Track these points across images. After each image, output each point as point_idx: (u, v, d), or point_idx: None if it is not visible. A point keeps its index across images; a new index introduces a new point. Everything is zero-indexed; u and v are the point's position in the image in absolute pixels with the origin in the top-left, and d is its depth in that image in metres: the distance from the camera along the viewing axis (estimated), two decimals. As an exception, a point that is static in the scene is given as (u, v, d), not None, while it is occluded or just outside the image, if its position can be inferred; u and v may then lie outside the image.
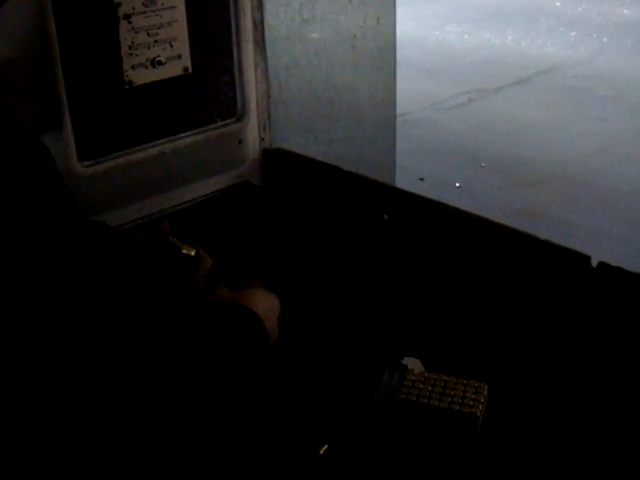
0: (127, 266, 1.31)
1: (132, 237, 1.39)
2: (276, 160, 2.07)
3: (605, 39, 7.79)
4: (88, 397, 0.95)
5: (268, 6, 2.01)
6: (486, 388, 1.38)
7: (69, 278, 1.01)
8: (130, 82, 1.76)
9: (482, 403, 1.34)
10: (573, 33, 8.01)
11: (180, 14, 1.79)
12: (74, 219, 1.17)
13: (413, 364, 1.45)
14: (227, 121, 1.98)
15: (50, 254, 1.00)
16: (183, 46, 1.82)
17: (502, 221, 1.65)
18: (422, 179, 4.78)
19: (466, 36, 8.08)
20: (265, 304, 1.26)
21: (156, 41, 1.77)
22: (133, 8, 1.72)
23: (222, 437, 1.20)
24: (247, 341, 1.18)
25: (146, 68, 1.77)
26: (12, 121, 1.10)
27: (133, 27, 1.72)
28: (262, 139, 2.07)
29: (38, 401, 0.93)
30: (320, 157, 2.06)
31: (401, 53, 2.51)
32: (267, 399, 1.37)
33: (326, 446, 1.28)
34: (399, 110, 2.61)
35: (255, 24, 1.97)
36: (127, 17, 1.71)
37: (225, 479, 1.24)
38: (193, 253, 1.32)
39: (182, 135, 1.89)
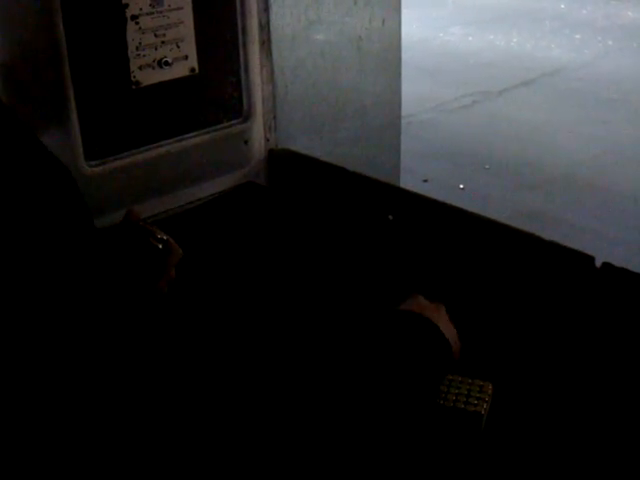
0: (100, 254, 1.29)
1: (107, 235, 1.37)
2: (282, 160, 2.08)
3: (610, 42, 7.79)
4: (85, 394, 0.96)
5: (274, 7, 2.02)
6: (490, 387, 1.38)
7: (75, 278, 1.01)
8: (137, 82, 1.77)
9: (486, 402, 1.35)
10: (578, 36, 8.01)
11: (187, 15, 1.80)
12: (83, 220, 1.18)
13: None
14: (233, 121, 1.99)
15: (55, 254, 1.00)
16: (190, 47, 1.83)
17: (506, 222, 1.65)
18: (426, 181, 4.79)
19: (470, 38, 8.09)
20: (444, 319, 1.26)
21: (163, 42, 1.78)
22: (140, 9, 1.73)
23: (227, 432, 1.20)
24: (431, 356, 1.16)
25: (153, 69, 1.78)
26: (13, 124, 1.10)
27: (140, 28, 1.74)
28: (268, 140, 2.08)
29: (37, 399, 0.93)
30: (325, 158, 2.06)
31: (406, 55, 2.51)
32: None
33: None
34: (403, 112, 2.61)
35: (261, 25, 1.98)
36: (134, 18, 1.72)
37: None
38: (161, 246, 1.29)
39: (188, 135, 1.90)
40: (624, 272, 1.43)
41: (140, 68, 1.76)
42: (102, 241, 1.33)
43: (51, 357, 0.94)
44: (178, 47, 1.81)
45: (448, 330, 1.26)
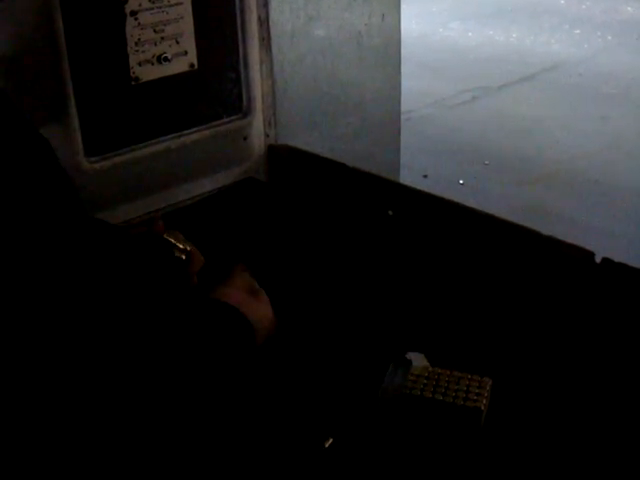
0: (124, 264, 1.31)
1: (128, 234, 1.39)
2: (281, 156, 2.08)
3: (609, 37, 7.78)
4: (83, 393, 0.96)
5: (273, 3, 2.02)
6: (490, 383, 1.38)
7: (69, 275, 1.01)
8: (136, 78, 1.77)
9: (486, 397, 1.35)
10: (577, 31, 8.00)
11: (186, 11, 1.80)
12: (77, 215, 1.18)
13: (417, 359, 1.45)
14: (232, 117, 1.99)
15: (51, 250, 1.00)
16: (189, 43, 1.83)
17: (506, 218, 1.65)
18: (426, 176, 4.79)
19: (470, 33, 8.08)
20: (248, 299, 1.25)
21: (162, 37, 1.78)
22: (140, 5, 1.73)
23: (224, 433, 1.20)
24: (230, 339, 1.17)
25: (152, 64, 1.78)
26: (13, 115, 1.10)
27: (140, 24, 1.73)
28: (267, 135, 2.08)
29: (35, 398, 0.93)
30: (325, 153, 2.06)
31: (405, 50, 2.51)
32: (266, 394, 1.37)
33: (331, 440, 1.29)
34: (403, 107, 2.61)
35: (260, 21, 1.98)
36: (134, 14, 1.72)
37: (229, 474, 1.25)
38: (184, 257, 1.31)
39: (188, 131, 1.91)
40: (624, 267, 1.43)
41: (139, 64, 1.76)
42: (115, 237, 1.34)
43: (46, 352, 0.94)
44: (177, 43, 1.81)
45: (255, 312, 1.24)
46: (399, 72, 2.50)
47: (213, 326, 1.15)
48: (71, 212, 1.12)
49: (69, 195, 1.14)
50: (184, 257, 1.33)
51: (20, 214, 0.97)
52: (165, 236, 1.33)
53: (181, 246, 1.33)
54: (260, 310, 1.26)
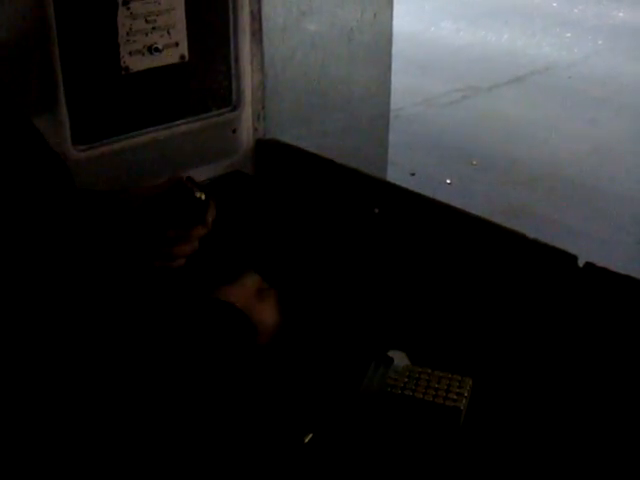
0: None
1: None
2: (269, 150, 2.08)
3: (600, 41, 7.81)
4: (82, 389, 0.96)
5: (266, -3, 2.02)
6: (470, 382, 1.39)
7: (63, 254, 1.01)
8: (127, 68, 1.76)
9: (466, 397, 1.36)
10: (568, 34, 8.02)
11: (178, 2, 1.80)
12: (69, 194, 1.18)
13: (399, 357, 1.46)
14: (222, 110, 1.99)
15: (45, 231, 1.00)
16: (181, 34, 1.82)
17: (491, 219, 1.66)
18: (413, 174, 4.79)
19: (461, 33, 8.09)
20: (254, 300, 1.27)
21: (154, 28, 1.78)
22: (132, -6, 1.72)
23: (208, 428, 1.21)
24: (230, 339, 1.18)
25: (143, 55, 1.78)
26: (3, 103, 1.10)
27: (131, 13, 1.73)
28: (256, 129, 2.08)
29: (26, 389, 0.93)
30: (313, 149, 2.07)
31: (396, 48, 2.52)
32: (254, 390, 1.38)
33: (311, 435, 1.30)
34: (392, 105, 2.62)
35: (252, 15, 1.98)
36: (126, 3, 1.71)
37: (210, 468, 1.25)
38: (204, 197, 1.37)
39: (177, 123, 1.90)
40: (606, 272, 1.44)
41: (130, 54, 1.76)
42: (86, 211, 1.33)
43: (43, 344, 0.94)
44: (169, 34, 1.81)
45: (262, 314, 1.26)
46: (389, 70, 2.51)
47: (214, 326, 1.16)
48: (62, 195, 1.12)
49: (61, 178, 1.14)
50: (203, 197, 1.37)
51: (10, 196, 0.97)
52: (184, 181, 1.37)
53: (198, 191, 1.37)
54: (265, 311, 1.27)
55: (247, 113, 2.03)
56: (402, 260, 1.77)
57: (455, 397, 1.36)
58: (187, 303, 1.21)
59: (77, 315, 0.99)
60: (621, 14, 8.80)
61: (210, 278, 1.34)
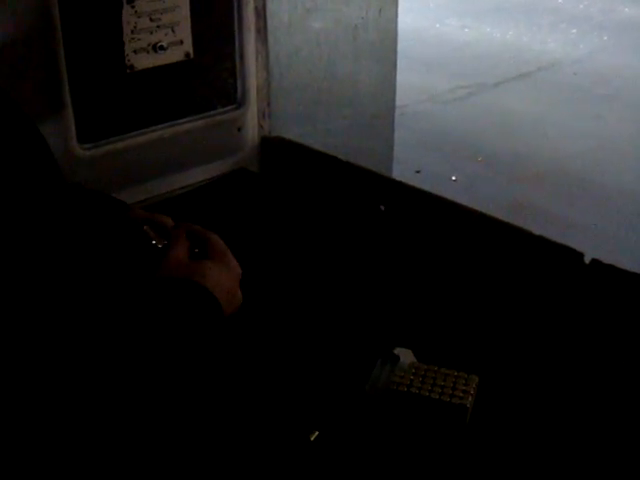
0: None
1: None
2: (274, 148, 2.08)
3: (605, 37, 7.79)
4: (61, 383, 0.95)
5: (271, -6, 2.02)
6: (476, 380, 1.39)
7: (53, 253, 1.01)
8: (131, 66, 1.76)
9: (472, 395, 1.36)
10: (574, 30, 8.01)
11: (183, 0, 1.80)
12: (52, 180, 1.17)
13: (405, 354, 1.46)
14: (227, 108, 1.99)
15: (36, 231, 1.00)
16: (185, 32, 1.82)
17: (496, 215, 1.66)
18: (418, 172, 4.79)
19: (467, 29, 8.08)
20: (214, 274, 1.19)
21: (158, 26, 1.78)
22: (137, -8, 1.72)
23: (207, 424, 1.20)
24: (195, 316, 1.12)
25: (148, 53, 1.78)
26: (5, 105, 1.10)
27: (136, 11, 1.73)
28: (261, 127, 2.08)
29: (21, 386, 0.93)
30: (318, 146, 2.07)
31: (401, 45, 2.51)
32: (253, 387, 1.37)
33: (317, 433, 1.29)
34: (397, 102, 2.61)
35: (257, 12, 1.98)
36: (130, 1, 1.72)
37: (215, 466, 1.25)
38: (161, 246, 1.25)
39: (182, 121, 1.90)
40: (612, 269, 1.44)
41: (135, 52, 1.76)
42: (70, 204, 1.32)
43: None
44: (173, 32, 1.81)
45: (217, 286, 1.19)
46: (394, 67, 2.51)
47: (170, 306, 1.10)
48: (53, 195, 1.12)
49: (54, 181, 1.14)
50: (160, 246, 1.25)
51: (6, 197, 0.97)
52: (145, 228, 1.29)
53: (158, 243, 1.28)
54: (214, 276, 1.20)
55: (252, 111, 2.03)
56: (408, 257, 1.77)
57: (461, 395, 1.35)
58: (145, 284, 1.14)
59: (74, 313, 0.98)
60: (627, 10, 8.78)
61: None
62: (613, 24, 8.20)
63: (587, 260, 1.48)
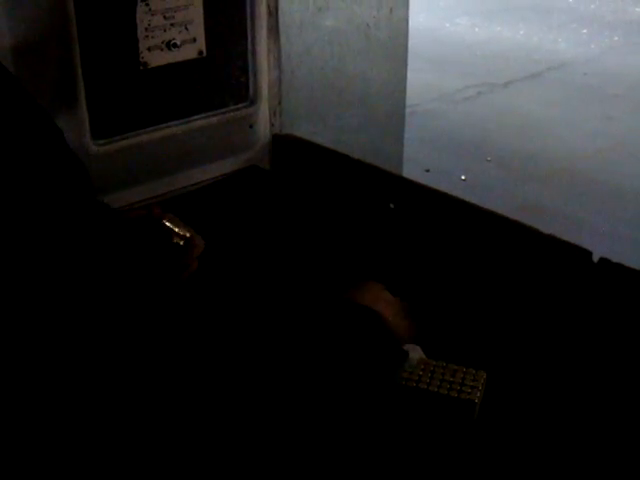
0: (122, 251, 1.29)
1: (127, 220, 1.36)
2: (286, 146, 2.09)
3: (616, 37, 7.78)
4: (82, 389, 0.96)
5: (283, -7, 2.03)
6: (484, 376, 1.40)
7: (77, 260, 1.02)
8: (145, 64, 1.78)
9: (480, 390, 1.37)
10: (585, 30, 8.00)
11: (197, -2, 1.82)
12: (86, 198, 1.18)
13: (413, 350, 1.47)
14: (239, 105, 2.00)
15: (59, 234, 1.01)
16: (198, 30, 1.84)
17: (506, 215, 1.67)
18: (428, 170, 4.79)
19: (477, 29, 8.07)
20: (388, 305, 1.21)
21: (172, 24, 1.79)
22: (151, -9, 1.74)
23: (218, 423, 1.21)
24: (371, 343, 1.12)
25: (161, 50, 1.79)
26: (24, 99, 1.11)
27: (150, 9, 1.75)
28: (272, 124, 2.09)
29: (34, 391, 0.94)
30: (329, 144, 2.08)
31: (411, 44, 2.52)
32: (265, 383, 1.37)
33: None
34: (407, 101, 2.62)
35: (270, 11, 1.99)
36: (144, -1, 1.73)
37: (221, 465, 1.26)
38: (183, 242, 1.29)
39: (194, 118, 1.92)
40: (621, 268, 1.45)
41: (149, 49, 1.77)
42: (106, 216, 1.34)
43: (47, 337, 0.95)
44: (187, 29, 1.82)
45: (399, 326, 1.20)
46: (405, 66, 2.52)
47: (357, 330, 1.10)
48: (79, 194, 1.13)
49: (77, 177, 1.15)
50: (182, 243, 1.30)
51: (25, 200, 0.98)
52: (164, 222, 1.31)
53: (180, 232, 1.31)
54: (401, 324, 1.20)
55: (264, 108, 2.04)
56: (417, 255, 1.78)
57: (469, 390, 1.36)
58: (321, 305, 1.15)
59: (95, 319, 0.99)
60: (638, 10, 8.76)
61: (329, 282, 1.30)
62: (624, 24, 8.18)
63: (595, 259, 1.49)
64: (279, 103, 2.09)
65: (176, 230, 1.30)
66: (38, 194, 1.00)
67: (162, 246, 1.28)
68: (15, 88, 1.10)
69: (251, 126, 2.03)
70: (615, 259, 1.47)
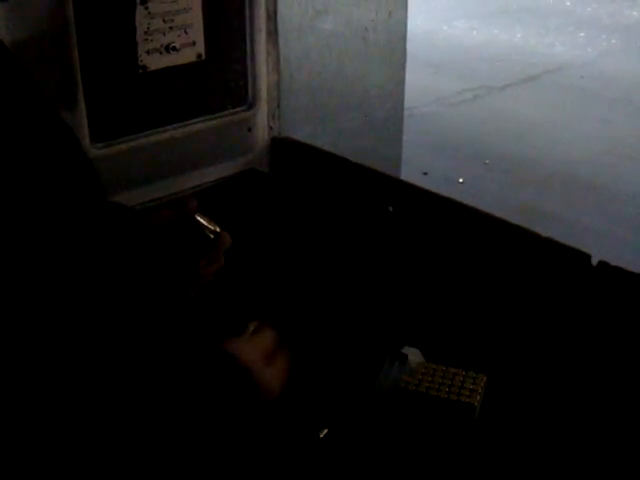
0: (141, 252, 1.29)
1: (147, 220, 1.37)
2: (284, 149, 2.09)
3: (613, 40, 7.79)
4: (87, 392, 0.96)
5: (282, -4, 2.03)
6: (484, 379, 1.40)
7: (89, 259, 1.02)
8: (144, 67, 1.78)
9: (480, 394, 1.37)
10: (582, 33, 8.01)
11: (196, 2, 1.82)
12: (97, 198, 1.18)
13: (413, 354, 1.47)
14: (238, 109, 2.00)
15: (72, 233, 1.01)
16: (197, 33, 1.84)
17: (503, 218, 1.67)
18: (426, 173, 4.80)
19: (474, 32, 8.09)
20: (263, 363, 1.19)
21: (171, 27, 1.79)
22: (150, -6, 1.74)
23: (215, 423, 1.20)
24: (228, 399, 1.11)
25: (160, 53, 1.79)
26: (38, 100, 1.11)
27: (149, 13, 1.75)
28: (271, 128, 2.09)
29: (36, 394, 0.93)
30: (327, 147, 2.08)
31: (409, 47, 2.52)
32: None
33: (326, 430, 1.31)
34: (405, 104, 2.62)
35: (268, 14, 1.99)
36: (144, 3, 1.73)
37: (224, 462, 1.26)
38: (213, 236, 1.31)
39: (193, 121, 1.92)
40: (619, 271, 1.45)
41: (148, 52, 1.78)
42: (119, 215, 1.34)
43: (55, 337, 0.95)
44: (186, 33, 1.82)
45: (269, 380, 1.18)
46: (404, 69, 2.52)
47: (213, 380, 1.10)
48: (89, 197, 1.13)
49: (89, 180, 1.15)
50: (212, 237, 1.31)
51: (35, 200, 0.98)
52: (197, 217, 1.33)
53: (211, 227, 1.33)
54: (273, 377, 1.18)
55: (263, 112, 2.05)
56: (416, 258, 1.78)
57: (469, 394, 1.37)
58: (195, 348, 1.14)
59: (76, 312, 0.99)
60: (635, 13, 8.78)
61: (225, 319, 1.31)
62: (621, 27, 8.20)
63: (594, 262, 1.49)
64: (278, 106, 2.09)
65: (207, 225, 1.32)
66: (50, 191, 1.00)
67: (196, 240, 1.29)
68: (28, 82, 1.10)
69: (250, 129, 2.03)
70: (614, 262, 1.47)
